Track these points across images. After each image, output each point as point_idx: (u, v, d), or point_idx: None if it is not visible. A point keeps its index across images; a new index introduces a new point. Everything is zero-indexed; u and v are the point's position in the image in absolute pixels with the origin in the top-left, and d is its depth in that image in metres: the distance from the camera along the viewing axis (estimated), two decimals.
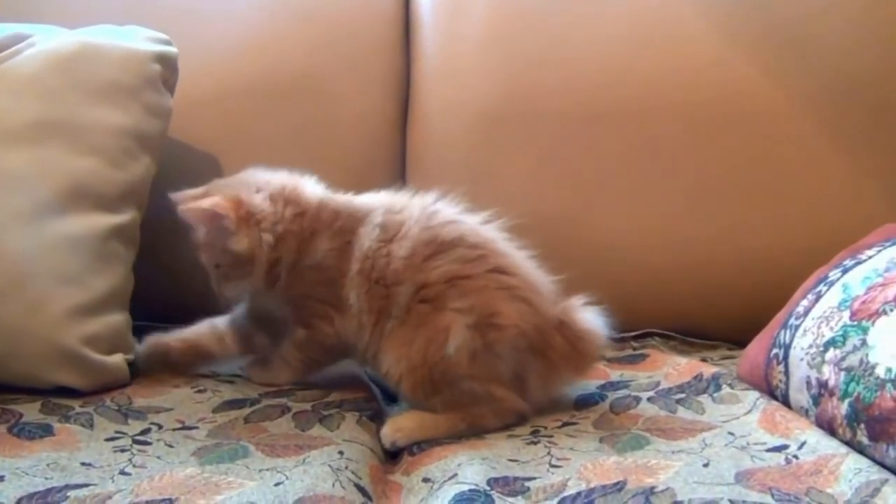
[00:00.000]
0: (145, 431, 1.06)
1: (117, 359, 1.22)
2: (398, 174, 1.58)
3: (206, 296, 1.36)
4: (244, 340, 1.27)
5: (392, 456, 1.08)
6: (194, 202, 1.16)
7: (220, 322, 1.28)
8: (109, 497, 0.87)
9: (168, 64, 1.40)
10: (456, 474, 0.93)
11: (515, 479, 0.93)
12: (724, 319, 1.47)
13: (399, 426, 1.09)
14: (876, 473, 0.89)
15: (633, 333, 1.46)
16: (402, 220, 1.16)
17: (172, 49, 1.41)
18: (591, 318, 1.16)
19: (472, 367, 1.09)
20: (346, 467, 0.94)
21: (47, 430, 1.04)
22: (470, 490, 0.89)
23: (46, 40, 1.33)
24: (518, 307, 1.11)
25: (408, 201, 1.20)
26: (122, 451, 1.00)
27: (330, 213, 1.20)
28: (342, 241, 1.18)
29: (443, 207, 1.19)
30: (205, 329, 1.28)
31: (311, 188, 1.24)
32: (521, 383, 1.12)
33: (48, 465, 0.95)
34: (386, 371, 1.14)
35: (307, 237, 1.18)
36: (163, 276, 1.44)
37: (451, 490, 0.89)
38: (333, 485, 0.90)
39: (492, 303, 1.10)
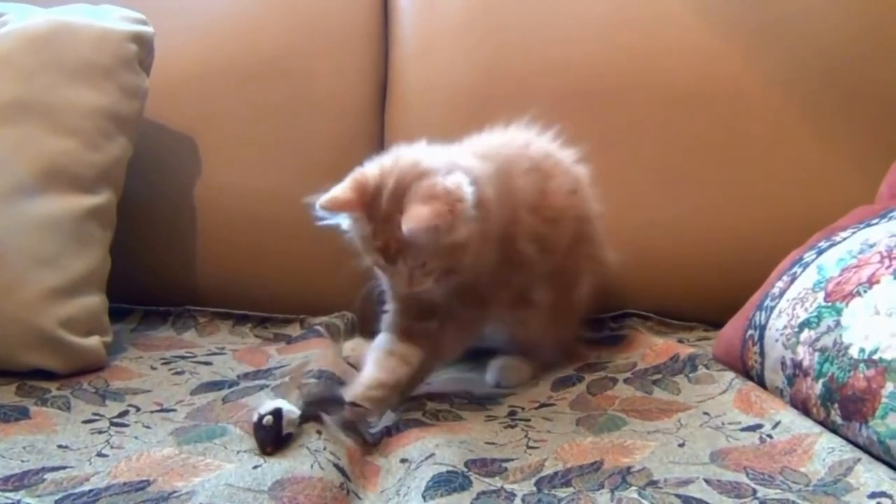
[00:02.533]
0: (123, 413, 1.06)
1: (94, 341, 1.22)
2: (376, 155, 1.58)
3: (182, 276, 1.36)
4: (419, 340, 1.14)
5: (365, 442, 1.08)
6: (417, 219, 1.00)
7: (383, 343, 1.15)
8: (87, 479, 0.87)
9: (144, 44, 1.38)
10: (433, 454, 0.93)
11: (493, 460, 0.94)
12: (700, 300, 1.48)
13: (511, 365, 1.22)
14: (849, 452, 0.90)
15: (610, 314, 1.47)
16: (539, 158, 1.22)
17: (148, 29, 1.40)
18: None
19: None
20: (325, 448, 0.94)
21: (23, 413, 1.04)
22: (448, 471, 0.89)
23: (19, 19, 1.31)
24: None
25: (516, 137, 1.25)
26: (100, 432, 1.00)
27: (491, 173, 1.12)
28: (508, 197, 1.14)
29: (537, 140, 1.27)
30: (382, 359, 1.12)
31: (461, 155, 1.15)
32: None
33: (24, 447, 0.95)
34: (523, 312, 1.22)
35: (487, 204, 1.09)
36: (139, 258, 1.43)
37: (430, 471, 0.89)
38: (312, 466, 0.89)
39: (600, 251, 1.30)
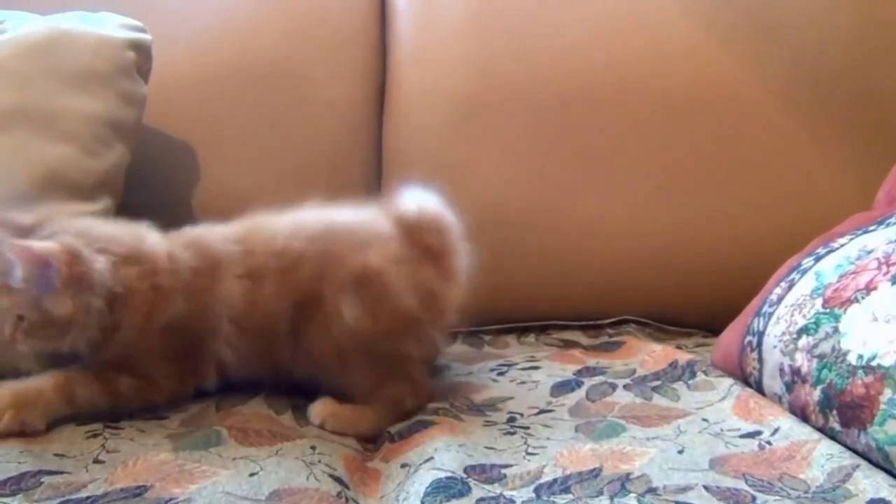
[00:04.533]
0: (117, 418, 1.06)
1: None
2: (374, 161, 1.58)
3: None
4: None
5: (370, 441, 1.08)
6: (25, 241, 0.98)
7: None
8: (84, 486, 0.87)
9: (142, 51, 1.38)
10: (432, 458, 0.93)
11: (492, 466, 0.93)
12: (699, 307, 1.48)
13: (332, 411, 1.08)
14: (848, 459, 0.90)
15: (608, 321, 1.47)
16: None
17: (146, 36, 1.40)
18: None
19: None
20: (320, 461, 0.94)
21: None
22: (447, 477, 0.89)
23: (17, 26, 1.31)
24: None
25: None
26: (95, 435, 0.99)
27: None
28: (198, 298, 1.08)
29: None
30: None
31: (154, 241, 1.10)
32: None
33: (20, 451, 0.94)
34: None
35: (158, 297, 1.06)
36: None
37: (428, 476, 0.89)
38: (308, 478, 0.89)
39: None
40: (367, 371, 1.09)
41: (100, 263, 1.00)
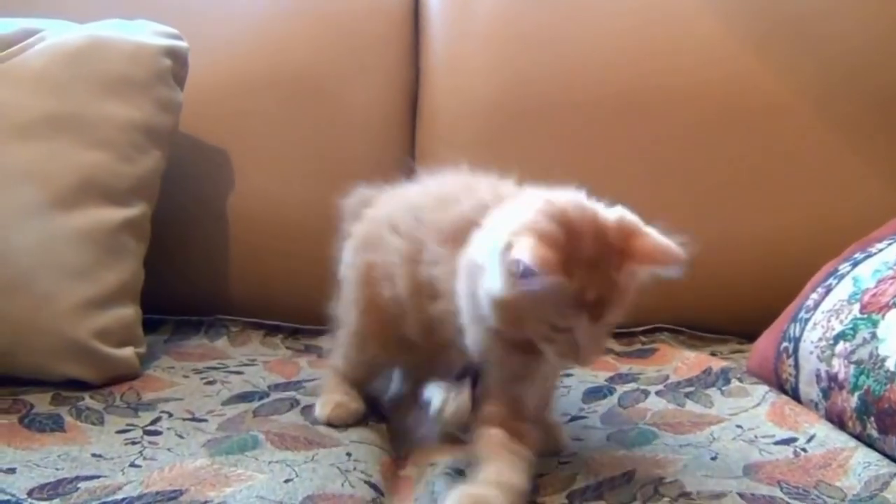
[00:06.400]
0: (156, 420, 1.07)
1: (127, 352, 1.23)
2: (408, 171, 1.58)
3: (215, 287, 1.36)
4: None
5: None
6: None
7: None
8: (120, 488, 0.88)
9: (178, 58, 1.40)
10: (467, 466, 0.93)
11: None
12: (734, 314, 1.47)
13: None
14: (885, 467, 0.89)
15: (641, 328, 1.46)
16: None
17: (183, 44, 1.41)
18: None
19: None
20: (355, 468, 0.94)
21: (58, 423, 1.05)
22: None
23: (56, 35, 1.33)
24: None
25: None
26: (133, 443, 1.00)
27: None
28: None
29: None
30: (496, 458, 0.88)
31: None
32: None
33: (59, 456, 0.95)
34: None
35: None
36: (172, 270, 1.45)
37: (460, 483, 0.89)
38: (343, 484, 0.90)
39: None
40: None
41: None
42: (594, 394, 1.20)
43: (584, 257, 0.83)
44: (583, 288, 0.82)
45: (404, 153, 1.59)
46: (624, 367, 1.30)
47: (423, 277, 0.95)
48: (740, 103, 1.51)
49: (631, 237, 0.86)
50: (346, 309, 1.09)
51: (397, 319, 1.01)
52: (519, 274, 0.80)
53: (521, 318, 0.84)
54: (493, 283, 0.83)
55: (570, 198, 0.89)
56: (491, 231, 0.87)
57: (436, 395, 0.97)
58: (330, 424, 1.07)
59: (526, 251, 0.79)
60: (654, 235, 0.88)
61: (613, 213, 0.88)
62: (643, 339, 1.45)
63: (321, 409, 1.09)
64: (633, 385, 1.22)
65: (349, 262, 1.09)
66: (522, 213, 0.86)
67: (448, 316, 0.93)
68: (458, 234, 0.92)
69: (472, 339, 0.90)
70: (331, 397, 1.10)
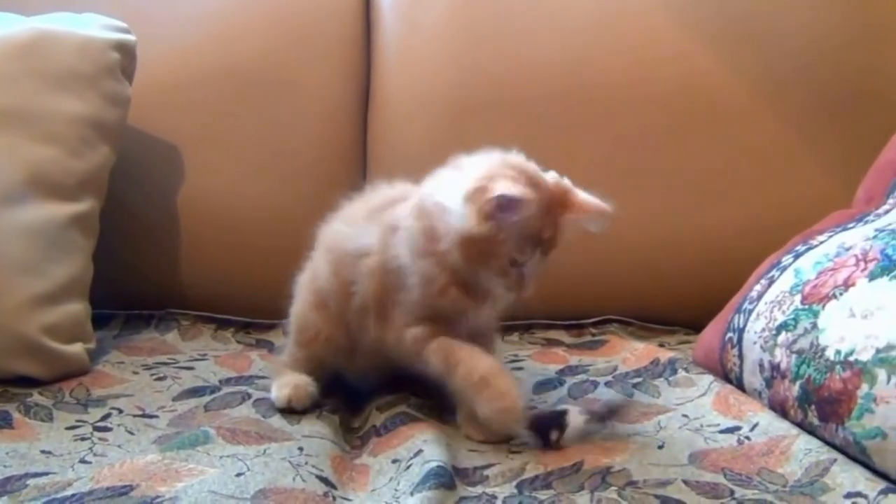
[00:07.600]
0: (105, 417, 1.06)
1: (77, 348, 1.22)
2: (359, 164, 1.58)
3: (165, 281, 1.35)
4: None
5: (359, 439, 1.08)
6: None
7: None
8: (69, 484, 0.87)
9: (126, 52, 1.39)
10: (422, 450, 0.94)
11: (475, 469, 0.94)
12: (681, 305, 1.49)
13: None
14: (825, 453, 0.91)
15: (592, 320, 1.48)
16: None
17: (131, 37, 1.40)
18: None
19: None
20: (306, 462, 0.94)
21: (6, 420, 1.04)
22: (438, 466, 0.90)
23: (2, 28, 1.31)
24: None
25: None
26: (83, 439, 1.00)
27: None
28: None
29: None
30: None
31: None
32: None
33: (7, 453, 0.95)
34: None
35: None
36: (123, 265, 1.44)
37: (421, 469, 0.90)
38: (294, 479, 0.90)
39: None
40: None
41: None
42: (545, 385, 1.21)
43: (541, 201, 0.98)
44: (542, 226, 0.99)
45: (356, 146, 1.59)
46: (574, 359, 1.32)
47: (347, 269, 1.08)
48: (689, 100, 1.53)
49: (567, 192, 1.02)
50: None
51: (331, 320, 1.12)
52: (501, 208, 0.94)
53: (485, 252, 0.98)
54: (463, 221, 0.96)
55: (519, 158, 1.05)
56: (452, 179, 1.02)
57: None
58: (289, 407, 1.09)
59: (509, 187, 0.94)
60: (585, 193, 1.03)
61: (550, 174, 1.04)
62: (593, 330, 1.47)
63: (278, 391, 1.10)
64: (582, 376, 1.23)
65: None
66: (483, 164, 1.02)
67: (365, 312, 1.07)
68: (383, 208, 1.09)
69: (419, 273, 1.02)
70: (287, 379, 1.12)
